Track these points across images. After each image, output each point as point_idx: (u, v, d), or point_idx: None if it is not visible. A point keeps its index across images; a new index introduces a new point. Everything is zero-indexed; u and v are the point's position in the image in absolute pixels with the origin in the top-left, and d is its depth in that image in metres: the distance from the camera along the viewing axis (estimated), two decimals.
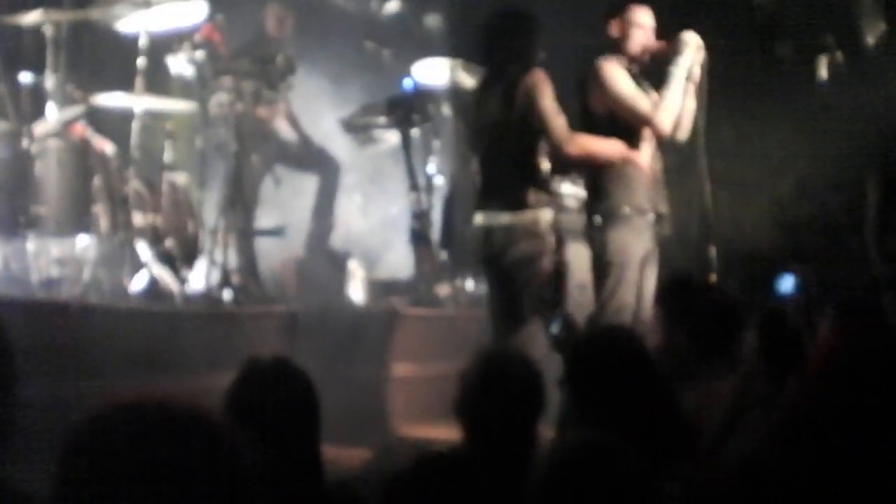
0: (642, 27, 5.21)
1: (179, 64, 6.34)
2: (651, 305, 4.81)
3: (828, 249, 8.06)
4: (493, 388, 2.83)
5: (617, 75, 5.11)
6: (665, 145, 5.43)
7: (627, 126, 5.12)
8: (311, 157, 7.04)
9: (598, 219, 5.11)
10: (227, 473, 1.48)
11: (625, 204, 5.04)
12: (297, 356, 5.46)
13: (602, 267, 5.05)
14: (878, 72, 8.26)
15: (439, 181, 7.40)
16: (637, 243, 5.03)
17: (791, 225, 8.47)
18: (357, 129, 7.07)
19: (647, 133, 5.15)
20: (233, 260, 6.13)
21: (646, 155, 5.16)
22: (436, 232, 7.21)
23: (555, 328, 4.43)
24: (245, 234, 6.33)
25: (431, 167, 7.22)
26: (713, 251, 5.73)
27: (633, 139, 5.13)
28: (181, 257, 5.85)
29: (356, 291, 6.78)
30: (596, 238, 5.13)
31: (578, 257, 5.47)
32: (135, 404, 1.49)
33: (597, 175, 5.18)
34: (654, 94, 5.17)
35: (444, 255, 7.31)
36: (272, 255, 6.89)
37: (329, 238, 7.05)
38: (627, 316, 4.95)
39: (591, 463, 1.97)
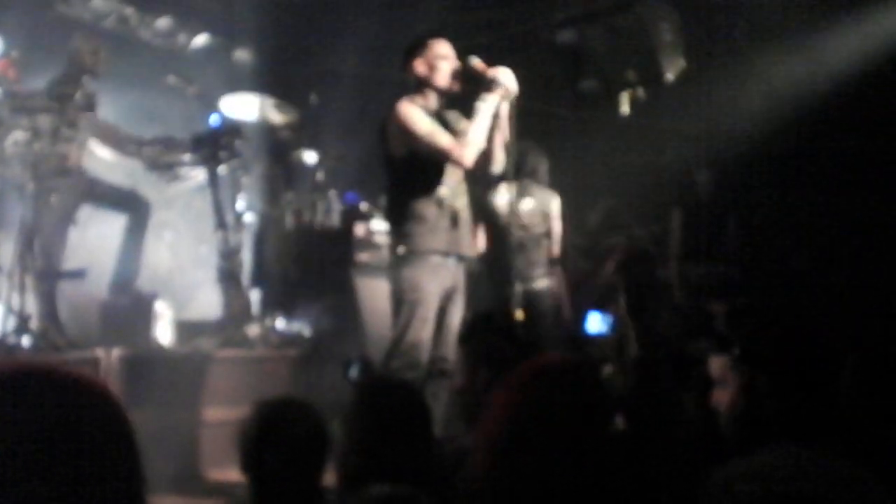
0: (447, 58, 5.24)
1: None
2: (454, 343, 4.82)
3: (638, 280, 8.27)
4: (273, 443, 2.77)
5: (413, 114, 5.10)
6: (474, 181, 5.48)
7: (431, 164, 5.13)
8: (119, 196, 6.81)
9: (395, 258, 5.12)
10: (110, 437, 1.54)
11: (423, 245, 5.05)
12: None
13: (396, 303, 5.06)
14: (679, 106, 8.56)
15: (249, 218, 7.30)
16: (432, 282, 5.04)
17: (600, 256, 8.67)
18: (161, 165, 6.88)
19: (453, 170, 5.16)
20: (31, 305, 5.90)
21: (450, 193, 5.18)
22: (246, 270, 7.10)
23: (353, 371, 4.39)
24: (44, 278, 6.08)
25: (241, 204, 7.10)
26: (519, 287, 5.80)
27: (437, 177, 5.14)
28: None
29: (164, 333, 6.60)
30: (392, 276, 5.14)
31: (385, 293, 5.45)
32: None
33: (397, 216, 5.19)
34: (465, 123, 5.19)
35: (254, 294, 7.22)
36: (75, 298, 6.65)
37: (136, 279, 6.83)
38: (423, 353, 4.96)
39: None
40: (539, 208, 7.23)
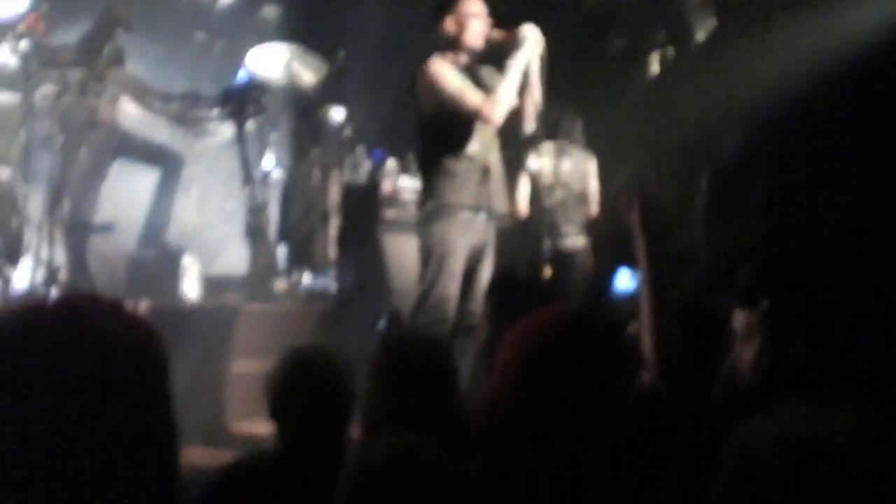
0: (478, 16, 5.22)
1: (2, 54, 6.11)
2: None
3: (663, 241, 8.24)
4: (301, 388, 2.79)
5: (443, 72, 5.11)
6: (507, 139, 5.47)
7: (461, 121, 5.13)
8: (151, 151, 6.84)
9: (424, 212, 5.13)
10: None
11: (452, 199, 5.06)
12: None
13: (425, 258, 5.07)
14: (709, 67, 8.49)
15: (276, 175, 7.31)
16: (460, 237, 5.05)
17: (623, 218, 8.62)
18: (189, 121, 6.90)
19: (484, 126, 5.17)
20: (60, 257, 5.94)
21: (481, 149, 5.18)
22: (273, 226, 7.13)
23: (382, 324, 4.41)
24: (73, 230, 6.13)
25: (268, 160, 7.11)
26: (547, 245, 5.81)
27: (467, 134, 5.15)
28: (4, 255, 5.65)
29: (191, 287, 6.64)
30: (421, 230, 5.15)
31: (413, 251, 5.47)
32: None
33: (428, 172, 5.19)
34: (498, 78, 5.19)
35: (280, 249, 7.24)
36: (104, 251, 6.69)
37: (164, 233, 6.87)
38: (450, 308, 4.98)
39: (402, 466, 1.95)
40: (577, 168, 7.27)
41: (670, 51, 8.32)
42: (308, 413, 2.75)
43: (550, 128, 5.50)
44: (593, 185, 7.37)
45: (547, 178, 6.85)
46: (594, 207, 7.36)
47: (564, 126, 7.21)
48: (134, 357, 1.57)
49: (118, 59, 6.49)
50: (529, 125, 5.29)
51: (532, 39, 5.08)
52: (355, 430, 2.90)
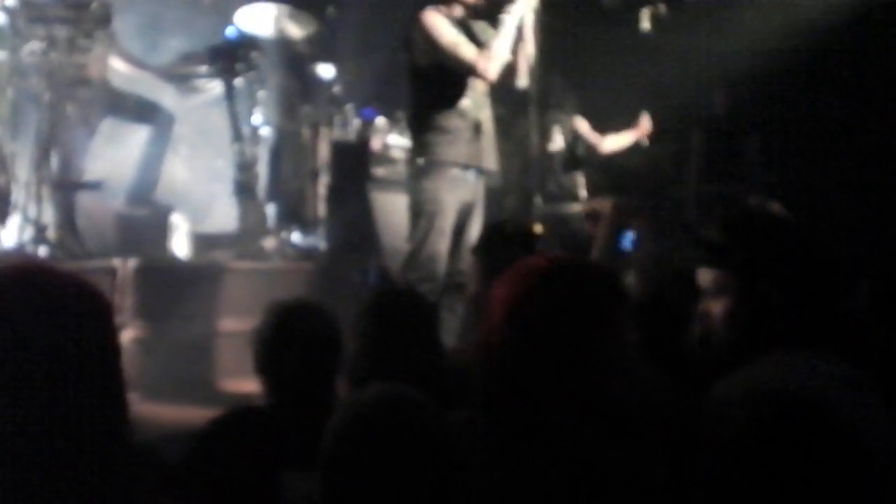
0: None
1: None
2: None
3: (656, 200, 8.27)
4: (287, 343, 2.79)
5: (439, 24, 5.07)
6: (499, 94, 5.44)
7: (455, 75, 5.11)
8: (142, 108, 6.79)
9: (415, 169, 5.11)
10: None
11: (443, 156, 5.04)
12: (119, 312, 5.39)
13: (414, 215, 5.06)
14: (701, 24, 8.45)
15: (265, 132, 7.27)
16: (451, 194, 5.04)
17: (623, 175, 8.65)
18: (178, 78, 6.85)
19: (477, 81, 5.14)
20: (49, 215, 5.92)
21: (473, 105, 5.17)
22: (262, 184, 7.10)
23: (371, 277, 4.40)
24: (61, 188, 6.09)
25: (257, 118, 7.06)
26: (539, 201, 5.79)
27: (460, 88, 5.13)
28: None
29: (180, 245, 6.63)
30: (411, 187, 5.14)
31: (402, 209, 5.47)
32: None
33: (419, 127, 5.17)
34: (492, 33, 5.16)
35: (270, 207, 7.22)
36: (93, 209, 6.66)
37: (154, 192, 6.84)
38: (439, 266, 4.98)
39: (391, 412, 1.94)
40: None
41: (661, 7, 8.25)
42: (295, 367, 2.76)
43: (539, 97, 5.43)
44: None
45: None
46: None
47: (555, 98, 7.25)
48: (80, 319, 1.61)
49: (106, 16, 6.43)
50: (522, 80, 5.25)
51: None
52: (342, 386, 2.92)
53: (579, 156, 7.34)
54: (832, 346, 2.26)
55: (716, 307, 2.34)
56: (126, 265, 5.64)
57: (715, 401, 1.96)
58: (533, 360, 1.99)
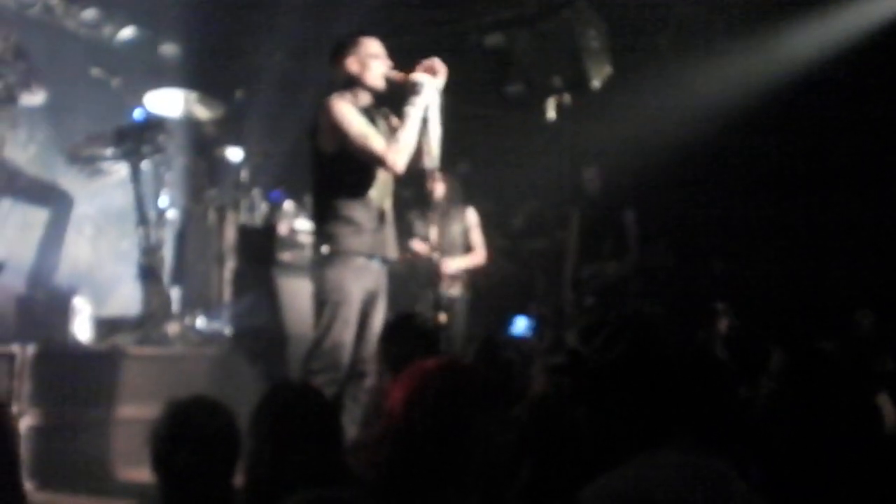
0: (378, 56, 5.21)
1: None
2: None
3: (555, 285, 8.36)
4: (181, 442, 2.75)
5: (347, 113, 5.04)
6: (403, 181, 5.45)
7: (362, 164, 5.10)
8: (40, 189, 6.68)
9: (319, 257, 5.09)
10: None
11: (347, 246, 5.03)
12: (17, 398, 5.28)
13: (319, 304, 5.04)
14: (604, 113, 8.64)
15: (171, 215, 7.22)
16: (355, 283, 5.02)
17: (524, 260, 8.74)
18: (82, 159, 6.78)
19: (381, 172, 5.15)
20: None
21: (378, 194, 5.17)
22: (167, 267, 7.04)
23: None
24: None
25: (163, 200, 7.01)
26: (440, 292, 5.80)
27: (367, 177, 5.13)
28: None
29: (82, 329, 6.52)
30: (315, 275, 5.11)
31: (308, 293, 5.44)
32: None
33: (323, 215, 5.15)
34: (395, 120, 5.19)
35: (174, 291, 7.15)
36: None
37: (54, 274, 6.72)
38: (344, 355, 4.94)
39: None
40: (459, 228, 7.58)
41: (566, 97, 8.42)
42: (189, 465, 2.72)
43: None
44: (476, 236, 7.69)
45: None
46: (480, 255, 7.60)
47: (448, 191, 7.36)
48: None
49: (10, 97, 6.36)
50: (429, 160, 5.21)
51: (430, 83, 5.07)
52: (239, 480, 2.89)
53: None
54: (713, 439, 2.35)
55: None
56: (25, 350, 5.53)
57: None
58: (427, 444, 2.22)
